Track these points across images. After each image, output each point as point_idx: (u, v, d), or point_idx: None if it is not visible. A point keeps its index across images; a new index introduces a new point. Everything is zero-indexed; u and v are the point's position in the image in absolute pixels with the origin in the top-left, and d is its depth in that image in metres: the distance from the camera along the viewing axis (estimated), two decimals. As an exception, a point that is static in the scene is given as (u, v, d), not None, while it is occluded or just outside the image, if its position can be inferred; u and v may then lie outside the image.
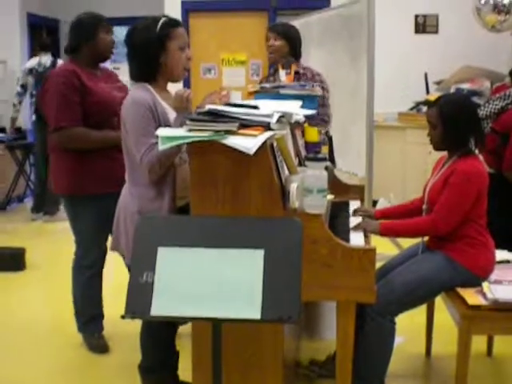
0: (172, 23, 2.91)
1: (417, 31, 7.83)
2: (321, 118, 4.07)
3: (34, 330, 4.21)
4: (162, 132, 2.54)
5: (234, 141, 2.40)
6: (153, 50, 2.84)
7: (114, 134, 3.45)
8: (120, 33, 14.90)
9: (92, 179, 3.55)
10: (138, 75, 2.92)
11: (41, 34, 9.65)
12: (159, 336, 3.00)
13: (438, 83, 7.35)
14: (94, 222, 3.59)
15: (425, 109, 7.13)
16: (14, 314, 4.50)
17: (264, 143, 2.41)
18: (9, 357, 3.82)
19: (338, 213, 3.27)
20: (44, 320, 4.41)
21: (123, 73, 3.98)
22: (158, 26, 2.85)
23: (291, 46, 4.21)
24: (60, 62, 7.41)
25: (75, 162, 3.57)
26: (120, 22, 9.75)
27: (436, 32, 7.79)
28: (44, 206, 7.63)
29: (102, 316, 3.87)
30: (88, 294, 3.80)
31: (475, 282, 3.01)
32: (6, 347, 3.97)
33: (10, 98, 8.58)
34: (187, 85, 7.97)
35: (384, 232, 3.05)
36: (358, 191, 3.84)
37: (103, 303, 3.86)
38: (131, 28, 2.92)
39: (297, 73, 4.14)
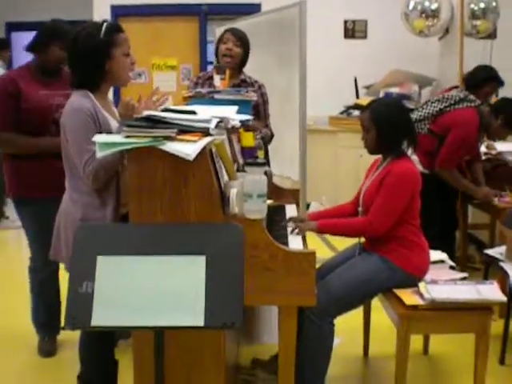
0: (115, 28, 2.84)
1: (346, 36, 7.95)
2: (265, 132, 4.16)
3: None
4: (99, 138, 2.49)
5: (173, 147, 2.38)
6: (98, 57, 2.76)
7: (49, 140, 3.46)
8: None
9: (28, 183, 3.59)
10: (80, 83, 2.83)
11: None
12: (98, 346, 2.94)
13: (368, 87, 7.48)
14: (35, 224, 3.61)
15: (355, 113, 7.24)
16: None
17: (203, 149, 2.40)
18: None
19: (274, 217, 3.28)
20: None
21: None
22: (102, 33, 2.77)
23: (245, 53, 4.19)
24: None
25: (13, 166, 3.63)
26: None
27: (365, 37, 7.93)
28: None
29: (55, 320, 3.79)
30: (40, 297, 3.79)
31: (411, 282, 3.07)
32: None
33: None
34: (118, 89, 7.88)
35: (321, 228, 3.10)
36: (293, 195, 3.87)
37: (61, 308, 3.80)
38: (72, 36, 2.82)
39: (244, 81, 4.14)
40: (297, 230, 3.05)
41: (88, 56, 2.76)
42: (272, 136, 4.32)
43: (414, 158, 4.17)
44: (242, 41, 4.17)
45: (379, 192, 3.08)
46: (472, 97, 4.59)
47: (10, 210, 7.66)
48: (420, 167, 4.37)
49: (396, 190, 3.05)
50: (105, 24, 2.81)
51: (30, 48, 3.64)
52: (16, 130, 3.51)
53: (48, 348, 3.82)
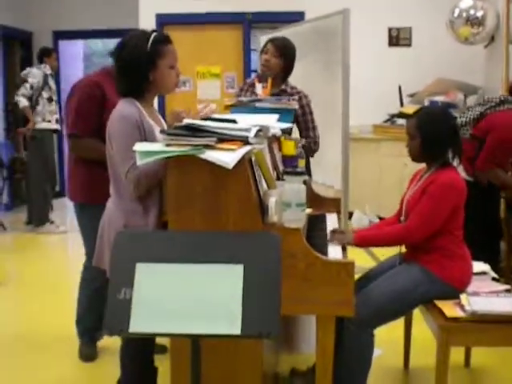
0: (162, 39, 2.86)
1: (390, 44, 7.91)
2: (314, 141, 4.20)
3: (6, 345, 4.16)
4: (139, 147, 2.52)
5: (212, 155, 2.39)
6: (143, 67, 2.79)
7: None
8: (95, 44, 14.93)
9: (102, 189, 3.50)
10: (126, 91, 2.87)
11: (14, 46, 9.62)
12: (138, 352, 2.96)
13: (412, 95, 7.42)
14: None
15: (399, 121, 7.19)
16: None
17: (242, 157, 2.41)
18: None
19: (314, 226, 3.27)
20: (16, 336, 4.35)
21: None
22: (149, 43, 2.79)
23: (286, 64, 4.19)
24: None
25: (87, 172, 3.63)
26: (95, 34, 9.75)
27: (409, 45, 7.88)
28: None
29: (100, 327, 3.80)
30: (92, 307, 3.81)
31: (453, 294, 3.03)
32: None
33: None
34: (162, 97, 7.96)
35: (358, 242, 3.06)
36: (334, 204, 3.84)
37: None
38: (120, 43, 2.85)
39: (284, 91, 4.15)
40: (335, 237, 3.03)
41: (134, 65, 2.80)
42: (313, 149, 4.32)
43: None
44: (282, 51, 4.18)
45: (421, 200, 3.05)
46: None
47: (55, 215, 7.85)
48: (464, 174, 4.32)
49: (439, 199, 3.01)
50: (153, 34, 2.83)
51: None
52: (97, 136, 3.44)
53: (90, 352, 3.86)
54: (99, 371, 3.75)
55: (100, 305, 3.75)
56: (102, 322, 3.71)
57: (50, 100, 7.59)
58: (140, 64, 2.79)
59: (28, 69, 7.81)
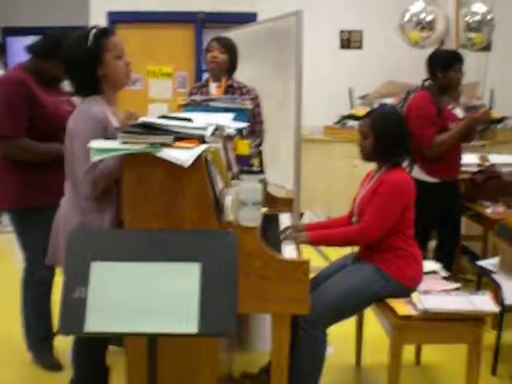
0: (103, 34, 2.82)
1: (342, 46, 7.98)
2: (257, 136, 4.19)
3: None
4: (94, 144, 2.49)
5: (169, 153, 2.38)
6: (89, 64, 2.76)
7: (58, 146, 3.22)
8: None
9: (37, 191, 3.42)
10: (81, 90, 2.84)
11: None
12: (90, 351, 2.94)
13: (363, 97, 7.49)
14: (43, 235, 3.23)
15: (350, 123, 7.26)
16: None
17: (199, 156, 2.40)
18: None
19: (268, 225, 3.28)
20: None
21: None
22: (89, 40, 2.76)
23: (232, 60, 4.28)
24: None
25: (19, 174, 3.44)
26: (45, 31, 9.59)
27: (360, 47, 7.95)
28: None
29: (53, 334, 3.73)
30: (39, 312, 3.67)
31: (405, 292, 3.07)
32: None
33: None
34: (113, 96, 7.87)
35: (313, 240, 3.10)
36: (287, 204, 3.88)
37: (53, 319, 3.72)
38: (53, 41, 2.86)
39: (231, 86, 4.16)
40: (289, 239, 3.05)
41: (79, 64, 2.77)
42: (261, 140, 4.38)
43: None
44: (227, 47, 4.28)
45: (373, 200, 3.09)
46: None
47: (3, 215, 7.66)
48: (429, 178, 4.36)
49: (390, 200, 3.06)
50: (92, 31, 2.80)
51: (34, 50, 3.49)
52: (28, 137, 3.35)
53: (55, 362, 3.71)
54: (51, 373, 3.68)
55: (46, 310, 3.67)
56: (50, 327, 3.67)
57: None
58: (85, 62, 2.76)
59: None
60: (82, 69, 2.77)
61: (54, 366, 3.71)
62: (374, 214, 3.07)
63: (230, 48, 4.28)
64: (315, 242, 3.16)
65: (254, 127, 4.25)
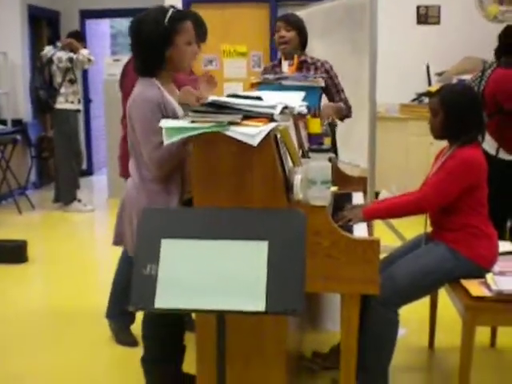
0: (180, 16, 2.82)
1: (419, 22, 7.81)
2: (345, 103, 4.17)
3: (35, 321, 4.22)
4: (165, 123, 2.52)
5: (237, 132, 2.39)
6: (159, 44, 2.77)
7: None
8: (120, 24, 14.91)
9: None
10: (143, 69, 2.86)
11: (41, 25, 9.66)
12: (162, 328, 2.98)
13: (440, 74, 7.34)
14: None
15: (426, 100, 7.11)
16: (14, 307, 4.52)
17: (267, 134, 2.40)
18: (11, 349, 3.83)
19: (340, 204, 3.25)
20: (45, 312, 4.41)
21: (122, 65, 3.95)
22: (166, 19, 2.77)
23: (301, 36, 4.18)
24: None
25: None
26: (120, 13, 9.74)
27: (438, 23, 7.77)
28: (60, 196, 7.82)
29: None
30: (128, 286, 3.76)
31: (478, 273, 3.01)
32: (6, 339, 3.97)
33: (10, 90, 8.60)
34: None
35: (368, 216, 2.98)
36: (361, 183, 3.83)
37: None
38: (136, 20, 2.82)
39: (305, 61, 4.11)
40: (345, 214, 2.97)
41: (149, 42, 2.78)
42: (349, 108, 4.28)
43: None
44: (293, 24, 4.17)
45: (438, 173, 3.03)
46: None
47: (82, 193, 7.91)
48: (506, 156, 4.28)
49: (454, 171, 2.98)
50: (170, 10, 2.80)
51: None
52: None
53: (131, 339, 3.81)
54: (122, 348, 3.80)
55: None
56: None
57: (72, 82, 7.62)
58: (157, 40, 2.77)
59: (47, 48, 7.85)
60: (152, 46, 2.78)
61: (129, 342, 3.81)
62: (435, 182, 3.00)
63: (296, 24, 4.18)
64: (371, 217, 3.03)
65: (340, 96, 4.19)
